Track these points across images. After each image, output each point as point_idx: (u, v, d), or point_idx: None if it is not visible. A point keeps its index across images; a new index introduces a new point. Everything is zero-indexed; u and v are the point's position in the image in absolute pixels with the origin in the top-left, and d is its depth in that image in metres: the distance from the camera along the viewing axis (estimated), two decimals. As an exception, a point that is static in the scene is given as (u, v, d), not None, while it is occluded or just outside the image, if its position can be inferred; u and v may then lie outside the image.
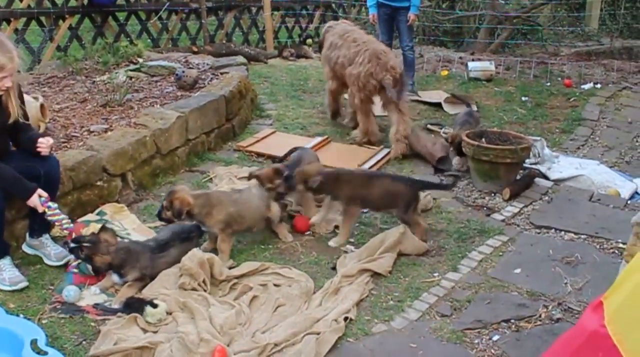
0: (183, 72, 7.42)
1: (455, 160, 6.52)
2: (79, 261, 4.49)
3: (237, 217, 4.82)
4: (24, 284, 4.34)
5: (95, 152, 5.36)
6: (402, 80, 7.02)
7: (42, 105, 5.70)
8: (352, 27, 7.76)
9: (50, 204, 4.36)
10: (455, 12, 13.39)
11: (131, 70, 7.85)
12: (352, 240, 5.12)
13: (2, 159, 4.32)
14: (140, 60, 8.31)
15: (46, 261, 4.64)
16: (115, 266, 4.37)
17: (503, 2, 12.78)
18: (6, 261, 4.40)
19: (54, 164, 4.65)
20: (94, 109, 6.56)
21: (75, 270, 4.50)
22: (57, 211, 4.40)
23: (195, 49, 10.85)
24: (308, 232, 5.23)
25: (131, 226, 5.12)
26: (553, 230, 5.32)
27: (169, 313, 4.05)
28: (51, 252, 4.63)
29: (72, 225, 4.53)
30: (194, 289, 4.26)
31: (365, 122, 7.18)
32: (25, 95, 4.72)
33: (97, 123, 6.11)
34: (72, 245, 4.39)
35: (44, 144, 4.45)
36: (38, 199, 4.30)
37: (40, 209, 4.32)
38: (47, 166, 4.54)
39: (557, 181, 6.24)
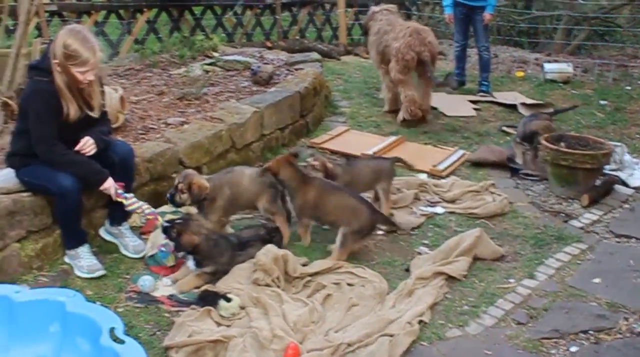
0: (259, 67, 7.46)
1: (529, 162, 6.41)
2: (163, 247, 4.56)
3: (233, 200, 4.89)
4: (102, 272, 4.40)
5: (172, 144, 5.43)
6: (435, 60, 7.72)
7: (121, 97, 5.80)
8: (397, 16, 8.18)
9: (126, 195, 4.43)
10: (532, 11, 13.14)
11: (207, 64, 7.94)
12: (426, 242, 5.07)
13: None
14: (216, 54, 8.41)
15: (122, 251, 4.69)
16: (199, 251, 4.37)
17: (582, 1, 12.45)
18: (84, 249, 4.46)
19: (129, 152, 4.69)
20: (170, 102, 6.65)
21: (164, 249, 4.56)
22: (134, 200, 4.47)
23: (269, 45, 10.92)
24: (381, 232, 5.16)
25: (205, 218, 5.17)
26: (634, 239, 5.16)
27: (242, 308, 4.05)
28: (129, 243, 4.68)
29: (153, 209, 4.59)
30: (267, 285, 4.26)
31: (408, 92, 7.49)
32: (105, 87, 4.76)
33: (174, 116, 6.19)
34: (165, 224, 4.43)
35: (80, 146, 4.32)
36: (113, 184, 4.37)
37: (114, 196, 4.39)
38: (122, 154, 4.59)
39: (638, 189, 6.05)
